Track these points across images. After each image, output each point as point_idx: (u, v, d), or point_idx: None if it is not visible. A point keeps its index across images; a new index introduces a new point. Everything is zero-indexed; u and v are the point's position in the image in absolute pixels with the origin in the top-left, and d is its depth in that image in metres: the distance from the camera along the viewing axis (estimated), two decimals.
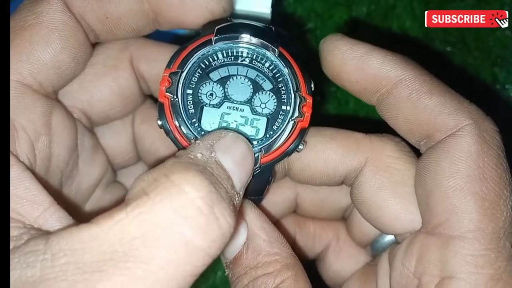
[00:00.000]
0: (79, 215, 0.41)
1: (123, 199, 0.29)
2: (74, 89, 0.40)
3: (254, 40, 0.38)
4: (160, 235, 0.26)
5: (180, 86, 0.37)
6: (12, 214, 0.30)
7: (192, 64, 0.38)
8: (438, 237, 0.33)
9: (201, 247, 0.27)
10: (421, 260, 0.34)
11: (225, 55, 0.38)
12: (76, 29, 0.37)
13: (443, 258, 0.33)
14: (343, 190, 0.42)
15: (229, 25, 0.38)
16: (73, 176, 0.41)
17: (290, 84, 0.38)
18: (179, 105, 0.37)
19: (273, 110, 0.38)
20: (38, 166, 0.35)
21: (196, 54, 0.38)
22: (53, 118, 0.37)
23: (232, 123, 0.37)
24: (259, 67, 0.38)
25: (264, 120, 0.38)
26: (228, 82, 0.38)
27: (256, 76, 0.38)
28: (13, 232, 0.29)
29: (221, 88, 0.38)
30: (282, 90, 0.38)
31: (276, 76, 0.38)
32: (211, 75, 0.38)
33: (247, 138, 0.36)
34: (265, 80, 0.38)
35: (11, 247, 0.27)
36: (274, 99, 0.38)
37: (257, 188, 0.39)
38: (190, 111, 0.37)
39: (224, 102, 0.38)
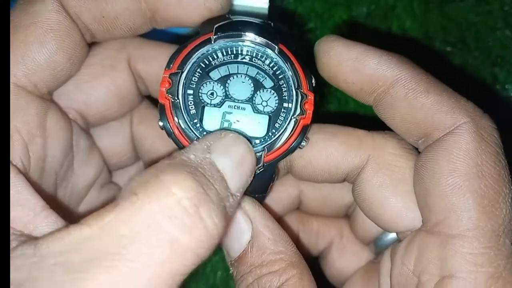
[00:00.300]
0: (73, 216, 0.41)
1: None
2: (70, 90, 0.40)
3: (254, 37, 0.38)
4: (147, 234, 0.27)
5: (180, 87, 0.37)
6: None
7: (192, 64, 0.38)
8: (437, 236, 0.33)
9: (188, 247, 0.27)
10: (421, 259, 0.34)
11: (224, 53, 0.38)
12: (72, 29, 0.37)
13: (443, 257, 0.33)
14: (346, 187, 0.43)
15: (227, 23, 0.38)
16: (68, 177, 0.41)
17: (291, 81, 0.38)
18: (180, 106, 0.37)
19: (275, 108, 0.38)
20: (32, 168, 0.35)
21: (196, 53, 0.38)
22: (47, 120, 0.37)
23: (234, 122, 0.37)
24: (260, 64, 0.38)
25: (266, 118, 0.38)
26: (228, 81, 0.38)
27: (257, 74, 0.38)
28: None
29: (221, 87, 0.38)
30: (283, 87, 0.38)
31: (277, 73, 0.38)
32: (211, 74, 0.38)
33: (248, 138, 0.36)
34: (265, 78, 0.38)
35: None
36: (275, 97, 0.38)
37: (260, 186, 0.39)
38: (191, 111, 0.37)
39: (225, 101, 0.38)
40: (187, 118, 0.37)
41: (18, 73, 0.35)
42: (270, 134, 0.37)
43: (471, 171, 0.32)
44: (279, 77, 0.38)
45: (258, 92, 0.38)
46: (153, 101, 0.46)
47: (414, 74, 0.35)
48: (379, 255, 0.43)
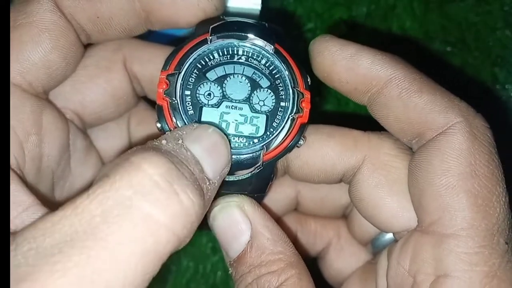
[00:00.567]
0: None
1: None
2: (67, 90, 0.40)
3: (250, 37, 0.38)
4: (119, 212, 0.26)
5: (178, 87, 0.37)
6: None
7: (189, 65, 0.38)
8: (432, 236, 0.33)
9: (162, 223, 0.27)
10: (416, 259, 0.34)
11: (221, 54, 0.38)
12: (67, 29, 0.37)
13: (437, 257, 0.33)
14: (343, 188, 0.43)
15: (223, 23, 0.38)
16: (65, 177, 0.41)
17: (288, 80, 0.38)
18: (178, 107, 0.37)
19: (272, 107, 0.38)
20: (28, 166, 0.35)
21: (192, 54, 0.38)
22: (43, 118, 0.37)
23: (231, 122, 0.37)
24: (256, 64, 0.38)
25: (263, 117, 0.38)
26: (225, 81, 0.38)
27: (253, 73, 0.38)
28: None
29: (219, 87, 0.38)
30: (280, 86, 0.38)
31: (273, 72, 0.38)
32: (208, 75, 0.38)
33: (248, 137, 0.36)
34: (262, 78, 0.38)
35: None
36: (272, 96, 0.38)
37: (259, 185, 0.39)
38: (189, 112, 0.37)
39: (223, 101, 0.38)
40: (185, 119, 0.37)
41: (13, 71, 0.35)
42: (268, 133, 0.37)
43: (465, 171, 0.32)
44: (276, 76, 0.38)
45: (255, 92, 0.38)
46: (150, 102, 0.46)
47: (407, 73, 0.35)
48: (376, 255, 0.43)
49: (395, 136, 0.38)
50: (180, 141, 0.31)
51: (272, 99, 0.38)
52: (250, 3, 0.42)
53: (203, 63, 0.38)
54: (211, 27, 0.38)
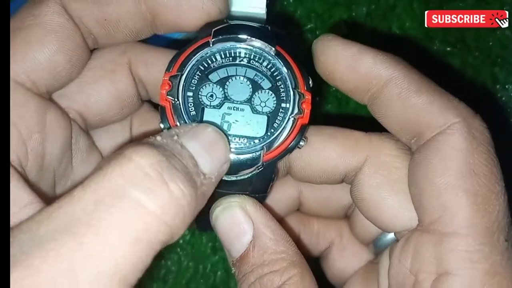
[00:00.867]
0: None
1: None
2: (71, 90, 0.40)
3: (252, 40, 0.38)
4: (110, 200, 0.26)
5: (180, 88, 0.37)
6: None
7: (191, 67, 0.38)
8: (432, 234, 0.34)
9: (153, 212, 0.27)
10: (417, 257, 0.35)
11: (223, 56, 0.39)
12: (73, 31, 0.37)
13: (438, 255, 0.33)
14: (345, 188, 0.43)
15: (225, 26, 0.39)
16: (67, 176, 0.41)
17: (289, 82, 0.38)
18: (180, 107, 0.37)
19: (273, 108, 0.38)
20: (30, 163, 0.36)
21: (195, 56, 0.38)
22: (47, 117, 0.37)
23: (233, 122, 0.38)
24: (257, 66, 0.39)
25: (264, 118, 0.38)
26: (227, 83, 0.38)
27: (255, 75, 0.39)
28: None
29: (221, 89, 0.38)
30: (281, 88, 0.39)
31: (274, 74, 0.39)
32: (210, 76, 0.38)
33: (249, 137, 0.37)
34: (263, 79, 0.39)
35: None
36: (273, 97, 0.38)
37: (260, 186, 0.40)
38: (191, 113, 0.38)
39: (225, 102, 0.38)
40: (188, 120, 0.37)
41: (17, 69, 0.35)
42: (268, 133, 0.38)
43: (464, 170, 0.33)
44: (277, 78, 0.39)
45: (256, 93, 0.38)
46: (154, 104, 0.46)
47: (407, 73, 0.36)
48: (378, 255, 0.43)
49: (395, 135, 0.38)
50: (175, 138, 0.31)
51: (273, 100, 0.38)
52: (255, 8, 0.42)
53: (206, 65, 0.39)
54: (213, 29, 0.38)
